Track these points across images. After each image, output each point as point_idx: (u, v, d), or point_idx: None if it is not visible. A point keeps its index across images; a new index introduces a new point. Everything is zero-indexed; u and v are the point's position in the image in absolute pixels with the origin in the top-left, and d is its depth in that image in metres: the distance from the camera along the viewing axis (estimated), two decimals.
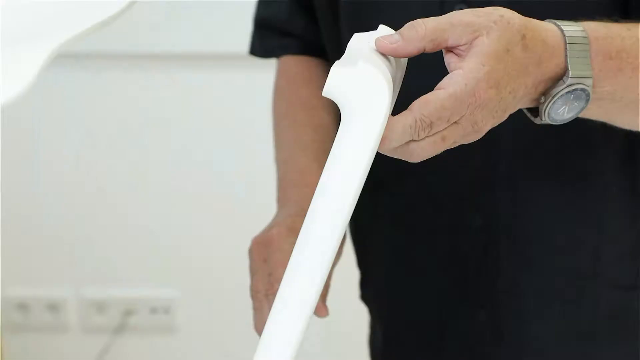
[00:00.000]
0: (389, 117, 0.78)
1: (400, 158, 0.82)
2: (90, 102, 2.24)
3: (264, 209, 1.21)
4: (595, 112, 0.92)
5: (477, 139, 0.84)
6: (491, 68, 0.81)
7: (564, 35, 0.86)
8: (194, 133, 2.24)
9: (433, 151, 0.81)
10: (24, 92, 0.63)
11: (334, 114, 1.19)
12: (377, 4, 1.08)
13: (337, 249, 0.77)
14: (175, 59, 2.19)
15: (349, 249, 1.25)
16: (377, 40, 0.81)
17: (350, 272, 1.26)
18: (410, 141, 0.80)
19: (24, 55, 0.67)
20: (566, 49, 0.85)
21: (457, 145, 0.83)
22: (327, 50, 1.20)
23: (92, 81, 2.23)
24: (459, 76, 0.80)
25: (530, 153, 1.09)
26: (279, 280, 1.00)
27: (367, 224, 1.22)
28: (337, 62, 0.79)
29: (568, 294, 1.12)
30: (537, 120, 0.88)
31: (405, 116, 0.79)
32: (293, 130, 1.19)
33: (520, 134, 1.07)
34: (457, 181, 1.12)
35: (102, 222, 2.31)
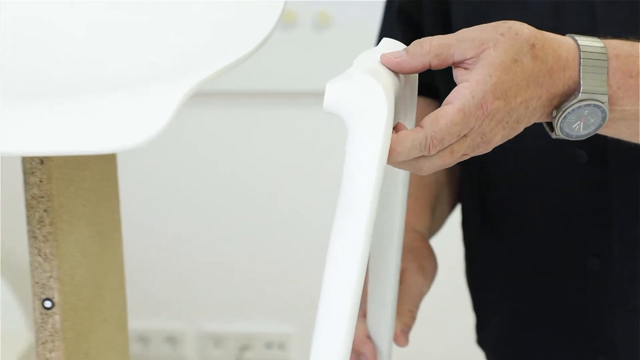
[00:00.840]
0: (402, 131, 0.78)
1: (409, 171, 0.81)
2: (192, 137, 2.27)
3: None
4: (624, 133, 0.89)
5: (488, 150, 0.83)
6: (498, 79, 0.80)
7: (579, 48, 0.84)
8: (305, 171, 2.25)
9: (442, 164, 0.81)
10: (161, 132, 0.64)
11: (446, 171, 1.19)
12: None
13: (364, 258, 0.76)
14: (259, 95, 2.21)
15: (464, 298, 1.23)
16: (382, 55, 0.81)
17: (465, 316, 1.25)
18: (420, 156, 0.79)
19: (162, 93, 0.68)
20: (580, 62, 0.84)
21: (467, 157, 0.83)
22: (439, 86, 1.19)
23: (196, 118, 2.26)
24: (466, 89, 0.80)
25: None
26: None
27: (482, 268, 1.20)
28: (334, 78, 0.78)
29: None
30: (552, 135, 0.87)
31: (417, 132, 0.78)
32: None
33: (631, 174, 1.05)
34: (574, 223, 1.10)
35: (222, 258, 2.33)
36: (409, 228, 1.12)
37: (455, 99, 0.80)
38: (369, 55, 0.82)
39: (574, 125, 0.85)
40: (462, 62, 0.82)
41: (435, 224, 1.20)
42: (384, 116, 0.75)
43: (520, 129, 0.84)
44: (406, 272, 1.07)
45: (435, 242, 1.16)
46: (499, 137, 0.82)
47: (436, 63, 0.82)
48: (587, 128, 0.86)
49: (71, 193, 0.81)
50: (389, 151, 0.76)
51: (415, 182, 1.17)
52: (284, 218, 2.31)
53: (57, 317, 0.79)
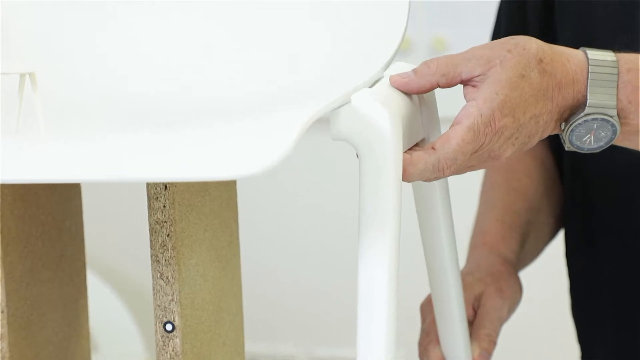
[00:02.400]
0: (415, 153, 0.78)
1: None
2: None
3: None
4: None
5: (497, 164, 0.84)
6: (505, 96, 0.80)
7: (588, 62, 0.83)
8: None
9: (451, 175, 0.82)
10: (282, 160, 0.65)
11: (536, 177, 1.18)
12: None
13: (395, 258, 0.76)
14: None
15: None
16: (390, 77, 0.81)
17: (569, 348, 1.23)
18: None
19: (284, 121, 0.69)
20: (588, 76, 0.83)
21: (475, 169, 0.83)
22: None
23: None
24: (474, 107, 0.80)
25: None
26: (432, 341, 1.02)
27: (587, 298, 1.19)
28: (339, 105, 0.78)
29: None
30: (565, 147, 0.86)
31: (429, 155, 0.79)
32: (490, 193, 1.20)
33: None
34: None
35: (335, 283, 2.34)
36: (492, 252, 1.12)
37: (464, 118, 0.80)
38: (382, 80, 0.82)
39: (584, 139, 0.85)
40: (470, 80, 0.82)
41: (531, 250, 1.18)
42: (390, 142, 0.75)
43: (534, 142, 0.84)
44: (484, 295, 1.06)
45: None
46: (508, 152, 0.83)
47: (444, 82, 0.82)
48: (598, 141, 0.85)
49: (193, 218, 0.82)
50: (402, 172, 0.77)
51: (504, 207, 1.16)
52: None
53: (177, 340, 0.80)
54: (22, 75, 0.80)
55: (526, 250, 1.17)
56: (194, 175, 0.65)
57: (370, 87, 0.79)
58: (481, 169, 0.84)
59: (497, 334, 1.03)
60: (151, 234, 0.80)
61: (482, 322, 1.04)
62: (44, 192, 0.88)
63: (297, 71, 0.85)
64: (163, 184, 0.78)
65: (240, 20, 0.90)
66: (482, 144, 0.81)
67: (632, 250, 1.12)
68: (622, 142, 0.87)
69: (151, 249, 0.80)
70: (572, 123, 0.84)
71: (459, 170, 0.82)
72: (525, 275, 1.14)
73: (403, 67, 0.84)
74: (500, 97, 0.80)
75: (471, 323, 1.04)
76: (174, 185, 0.79)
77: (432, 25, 2.13)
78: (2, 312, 0.82)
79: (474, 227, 1.18)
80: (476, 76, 0.82)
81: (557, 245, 1.23)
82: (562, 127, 0.85)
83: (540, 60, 0.82)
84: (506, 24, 1.20)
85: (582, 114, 0.84)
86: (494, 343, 1.03)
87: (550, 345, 1.98)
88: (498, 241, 1.14)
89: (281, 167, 0.66)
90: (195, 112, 0.86)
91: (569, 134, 0.85)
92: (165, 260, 0.80)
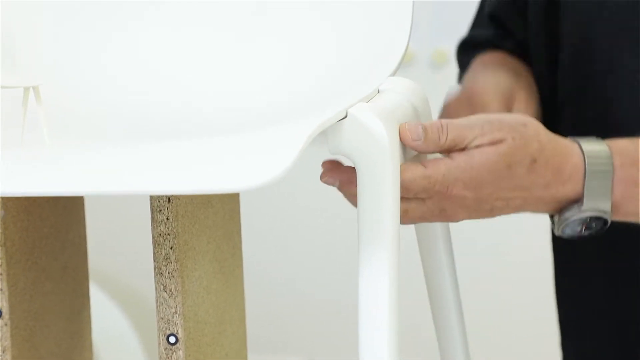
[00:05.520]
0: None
1: None
2: None
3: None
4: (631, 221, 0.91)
5: (452, 222, 0.85)
6: (478, 174, 0.82)
7: (585, 165, 0.85)
8: None
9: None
10: (285, 173, 0.65)
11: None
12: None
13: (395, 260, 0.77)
14: None
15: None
16: (400, 128, 0.80)
17: None
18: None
19: (287, 134, 0.69)
20: (585, 178, 0.85)
21: (427, 221, 0.84)
22: (531, 48, 1.16)
23: None
24: (444, 165, 0.81)
25: None
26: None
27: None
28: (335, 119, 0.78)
29: None
30: (556, 233, 0.89)
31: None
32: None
33: None
34: None
35: (339, 295, 2.34)
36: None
37: (431, 166, 0.81)
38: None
39: (576, 228, 0.88)
40: (469, 147, 0.83)
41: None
42: (388, 155, 0.76)
43: (497, 215, 0.86)
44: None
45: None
46: (462, 217, 0.85)
47: (446, 151, 0.83)
48: (590, 229, 0.88)
49: (196, 230, 0.82)
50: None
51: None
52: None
53: (180, 353, 0.81)
54: (26, 89, 0.80)
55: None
56: (198, 187, 0.65)
57: (368, 100, 0.79)
58: (433, 222, 0.86)
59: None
60: (154, 247, 0.80)
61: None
62: (47, 204, 0.88)
63: (300, 84, 0.86)
64: (166, 196, 0.78)
65: (244, 33, 0.90)
66: (431, 198, 0.82)
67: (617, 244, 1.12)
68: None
69: (154, 261, 0.80)
70: (567, 219, 0.87)
71: (407, 216, 0.83)
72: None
73: (401, 81, 0.84)
74: (473, 173, 0.82)
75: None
76: (178, 197, 0.79)
77: (433, 38, 2.13)
78: (6, 324, 0.82)
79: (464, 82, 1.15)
80: (474, 145, 0.83)
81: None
82: (556, 219, 0.88)
83: (534, 161, 0.84)
84: None
85: (578, 213, 0.86)
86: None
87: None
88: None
89: (284, 180, 0.66)
90: (198, 125, 0.86)
91: (563, 228, 0.88)
92: (168, 273, 0.80)
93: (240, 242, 0.92)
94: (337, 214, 2.32)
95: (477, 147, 0.82)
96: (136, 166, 0.70)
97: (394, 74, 0.83)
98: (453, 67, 2.07)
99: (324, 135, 0.75)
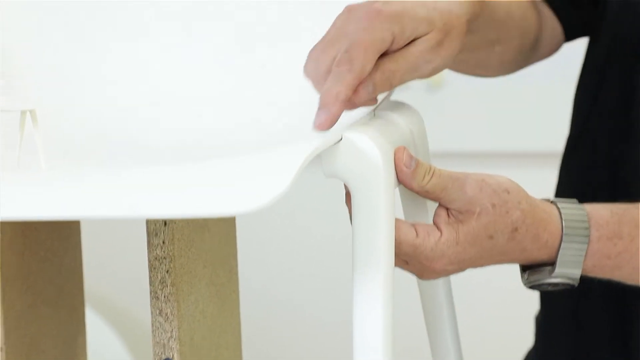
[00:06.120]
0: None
1: None
2: None
3: None
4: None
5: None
6: (462, 249, 0.83)
7: (562, 234, 0.86)
8: None
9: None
10: (280, 197, 0.65)
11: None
12: None
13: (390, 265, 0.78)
14: None
15: None
16: (397, 150, 0.80)
17: None
18: None
19: (283, 158, 0.69)
20: (560, 247, 0.86)
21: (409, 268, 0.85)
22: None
23: None
24: (433, 240, 0.82)
25: None
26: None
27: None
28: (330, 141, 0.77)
29: None
30: (525, 285, 0.90)
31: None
32: None
33: None
34: None
35: (333, 319, 2.33)
36: None
37: (421, 235, 0.82)
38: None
39: (543, 286, 0.89)
40: (447, 207, 0.83)
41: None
42: (382, 179, 0.76)
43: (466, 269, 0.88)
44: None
45: None
46: (437, 278, 0.88)
47: (424, 195, 0.84)
48: (556, 287, 0.89)
49: (192, 254, 0.82)
50: None
51: None
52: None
53: None
54: (22, 112, 0.80)
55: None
56: (194, 211, 0.66)
57: (363, 123, 0.79)
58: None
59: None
60: (150, 270, 0.80)
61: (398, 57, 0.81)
62: (44, 228, 0.88)
63: (295, 107, 0.86)
64: (163, 220, 0.78)
65: (242, 57, 0.91)
66: (413, 264, 0.84)
67: None
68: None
69: (150, 285, 0.80)
70: (537, 281, 0.89)
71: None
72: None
73: (397, 105, 0.85)
74: (457, 249, 0.83)
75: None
76: (174, 221, 0.79)
77: None
78: (2, 349, 0.82)
79: None
80: (453, 209, 0.83)
81: None
82: (525, 277, 0.89)
83: (515, 230, 0.85)
84: None
85: (548, 278, 0.87)
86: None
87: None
88: None
89: (280, 203, 0.66)
90: (194, 149, 0.86)
91: (531, 286, 0.89)
92: (164, 297, 0.80)
93: (236, 265, 0.92)
94: (333, 236, 2.32)
95: (461, 215, 0.83)
96: (132, 190, 0.70)
97: (389, 97, 0.83)
98: (448, 90, 2.08)
99: (318, 158, 0.75)
